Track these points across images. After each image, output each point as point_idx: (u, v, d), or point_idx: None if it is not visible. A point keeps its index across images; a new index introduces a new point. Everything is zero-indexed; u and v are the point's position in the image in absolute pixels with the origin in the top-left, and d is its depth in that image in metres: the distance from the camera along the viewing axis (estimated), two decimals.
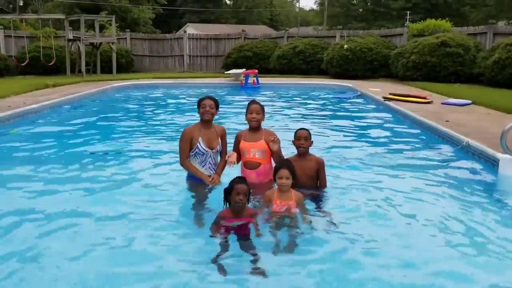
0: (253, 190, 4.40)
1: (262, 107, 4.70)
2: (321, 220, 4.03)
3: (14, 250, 3.52)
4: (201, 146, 4.62)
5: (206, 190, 4.62)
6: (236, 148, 4.74)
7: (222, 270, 3.20)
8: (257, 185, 4.49)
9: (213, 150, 4.70)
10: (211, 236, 3.67)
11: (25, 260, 3.38)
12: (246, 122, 4.72)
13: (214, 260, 3.30)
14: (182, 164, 4.75)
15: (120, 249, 3.59)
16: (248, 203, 3.82)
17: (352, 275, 3.21)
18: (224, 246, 3.50)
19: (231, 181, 3.81)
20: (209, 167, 4.74)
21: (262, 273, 3.16)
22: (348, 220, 4.08)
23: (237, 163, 4.69)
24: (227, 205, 3.82)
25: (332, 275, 3.20)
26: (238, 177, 3.86)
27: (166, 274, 3.22)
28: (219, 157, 4.85)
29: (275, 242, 3.58)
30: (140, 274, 3.21)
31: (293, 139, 4.57)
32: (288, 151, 5.01)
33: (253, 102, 4.73)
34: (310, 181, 4.51)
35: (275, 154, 4.53)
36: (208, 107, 4.63)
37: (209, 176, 4.68)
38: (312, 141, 4.59)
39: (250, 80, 16.62)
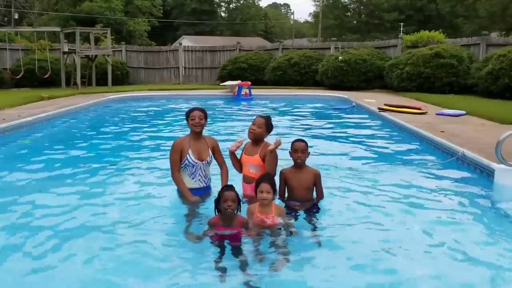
0: (249, 203, 4.39)
1: (266, 122, 4.63)
2: (313, 231, 4.05)
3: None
4: (191, 158, 4.61)
5: (198, 200, 4.59)
6: (240, 159, 4.72)
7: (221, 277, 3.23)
8: (254, 198, 4.47)
9: (203, 162, 4.68)
10: (203, 235, 3.78)
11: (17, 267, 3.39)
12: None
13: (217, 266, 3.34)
14: (172, 177, 4.72)
15: (111, 260, 3.55)
16: (238, 211, 3.82)
17: (344, 285, 3.20)
18: (218, 254, 3.54)
19: (219, 191, 3.86)
20: (199, 179, 4.71)
21: (256, 280, 3.16)
22: (343, 231, 4.08)
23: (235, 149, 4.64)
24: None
25: (324, 284, 3.20)
26: (226, 186, 3.91)
27: (157, 285, 3.19)
28: (210, 168, 4.82)
29: (257, 253, 3.59)
30: (132, 285, 3.18)
31: (290, 150, 4.53)
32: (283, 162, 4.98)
33: (260, 115, 4.71)
34: (306, 192, 4.51)
35: (266, 163, 4.42)
36: (197, 118, 4.62)
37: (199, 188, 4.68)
38: (309, 153, 4.56)
39: (243, 91, 16.72)
